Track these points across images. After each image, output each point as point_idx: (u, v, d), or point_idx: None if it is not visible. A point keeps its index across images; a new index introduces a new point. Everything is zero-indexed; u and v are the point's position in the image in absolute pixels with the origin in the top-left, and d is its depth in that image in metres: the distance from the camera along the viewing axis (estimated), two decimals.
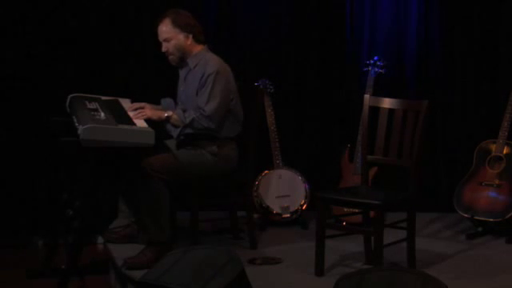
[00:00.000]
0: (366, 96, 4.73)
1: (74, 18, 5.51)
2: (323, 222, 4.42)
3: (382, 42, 5.91)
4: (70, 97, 4.80)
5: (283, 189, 5.47)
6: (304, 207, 5.47)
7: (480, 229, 5.27)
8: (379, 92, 5.27)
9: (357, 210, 4.69)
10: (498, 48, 5.78)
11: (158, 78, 5.65)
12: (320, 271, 4.41)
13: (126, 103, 4.83)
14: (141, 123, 4.47)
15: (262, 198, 5.42)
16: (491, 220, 5.15)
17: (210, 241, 4.97)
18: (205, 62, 4.68)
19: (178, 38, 4.68)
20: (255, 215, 5.21)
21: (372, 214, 4.41)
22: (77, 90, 4.89)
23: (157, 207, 4.46)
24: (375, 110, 4.66)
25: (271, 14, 5.91)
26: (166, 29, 4.68)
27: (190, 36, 4.69)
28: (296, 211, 5.45)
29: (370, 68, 5.56)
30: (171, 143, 4.73)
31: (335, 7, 5.92)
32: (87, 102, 4.65)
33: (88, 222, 4.56)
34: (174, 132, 4.67)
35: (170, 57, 4.73)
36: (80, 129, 4.17)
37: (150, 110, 4.67)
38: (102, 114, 4.37)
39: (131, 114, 4.61)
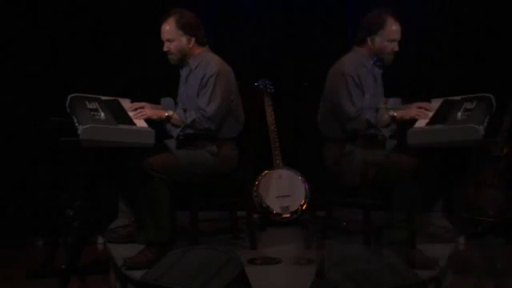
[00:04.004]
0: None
1: None
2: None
3: None
4: (69, 97, 4.79)
5: (283, 189, 5.47)
6: (304, 207, 5.46)
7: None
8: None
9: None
10: (498, 48, 5.77)
11: (158, 77, 5.64)
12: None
13: (125, 103, 4.83)
14: (141, 123, 4.47)
15: (262, 198, 5.42)
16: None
17: (210, 241, 4.97)
18: (206, 62, 4.68)
19: (180, 39, 4.67)
20: (255, 215, 5.21)
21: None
22: (77, 90, 4.89)
23: (157, 207, 4.45)
24: None
25: (271, 13, 5.90)
26: (169, 29, 4.66)
27: (193, 39, 4.68)
28: (296, 211, 5.45)
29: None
30: (171, 143, 4.72)
31: (335, 7, 5.91)
32: (87, 102, 4.64)
33: (88, 221, 4.56)
34: (174, 132, 4.67)
35: (170, 56, 4.73)
36: (80, 129, 4.17)
37: (150, 110, 4.67)
38: (102, 114, 4.37)
39: (131, 114, 4.61)
